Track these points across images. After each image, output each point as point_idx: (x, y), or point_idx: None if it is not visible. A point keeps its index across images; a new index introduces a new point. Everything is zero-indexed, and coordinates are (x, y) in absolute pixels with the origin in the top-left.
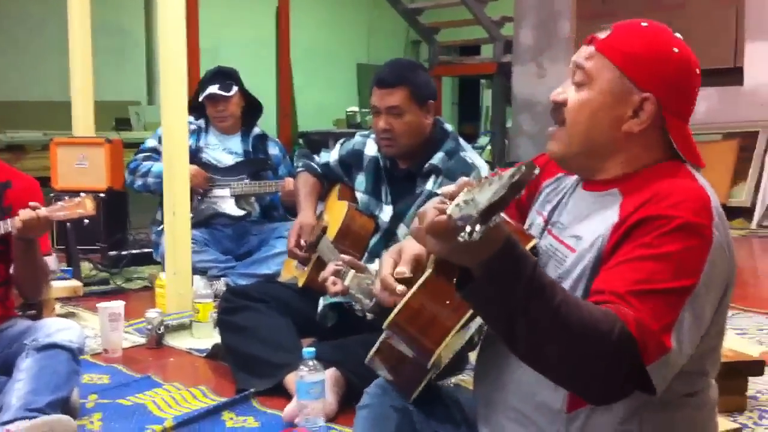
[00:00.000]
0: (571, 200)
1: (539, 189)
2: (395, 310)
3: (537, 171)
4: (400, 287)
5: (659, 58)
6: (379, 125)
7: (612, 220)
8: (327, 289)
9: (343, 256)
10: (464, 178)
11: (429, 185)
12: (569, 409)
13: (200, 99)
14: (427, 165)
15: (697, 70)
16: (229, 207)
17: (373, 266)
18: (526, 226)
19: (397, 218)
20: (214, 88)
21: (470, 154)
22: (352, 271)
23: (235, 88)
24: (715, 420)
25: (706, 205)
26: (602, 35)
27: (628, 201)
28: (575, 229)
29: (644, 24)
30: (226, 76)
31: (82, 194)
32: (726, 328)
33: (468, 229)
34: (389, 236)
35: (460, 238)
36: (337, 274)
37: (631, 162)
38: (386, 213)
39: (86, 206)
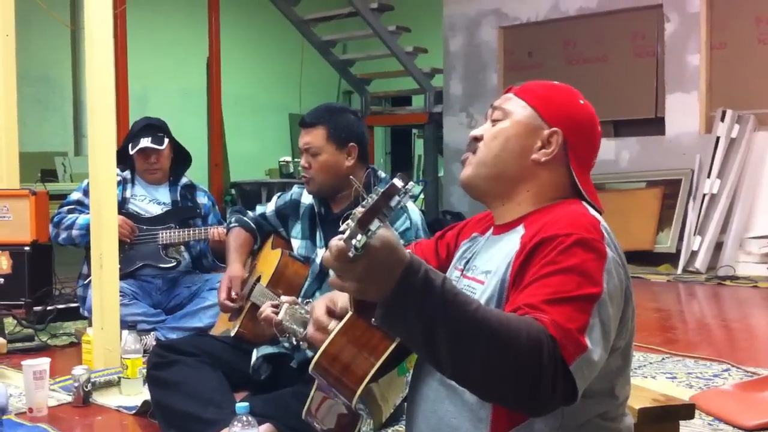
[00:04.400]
0: (483, 246)
1: (457, 247)
2: (318, 353)
3: (411, 184)
4: (332, 324)
5: (568, 103)
6: (301, 163)
7: (514, 248)
8: (263, 321)
9: (283, 297)
10: (358, 208)
11: None
12: None
13: (132, 152)
14: (361, 195)
15: (599, 127)
16: (158, 257)
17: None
18: None
19: None
20: (146, 142)
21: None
22: (286, 304)
23: (166, 141)
24: None
25: (596, 225)
26: (518, 85)
27: (528, 231)
28: (486, 266)
29: (555, 82)
30: (156, 128)
31: None
32: (632, 353)
33: (353, 242)
34: (323, 278)
35: (350, 254)
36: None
37: (538, 195)
38: (320, 256)
39: (0, 264)
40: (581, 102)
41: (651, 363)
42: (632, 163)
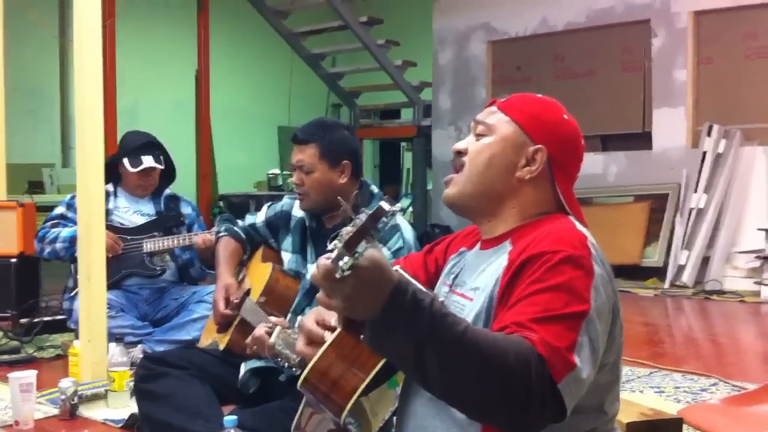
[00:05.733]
0: (471, 260)
1: (446, 262)
2: (307, 369)
3: (397, 207)
4: (327, 333)
5: (552, 119)
6: (294, 180)
7: (502, 265)
8: (256, 349)
9: (271, 317)
10: (346, 228)
11: None
12: None
13: (134, 170)
14: (349, 218)
15: (582, 141)
16: (143, 265)
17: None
18: None
19: None
20: (149, 161)
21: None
22: (279, 327)
23: (162, 158)
24: None
25: (583, 241)
26: (502, 99)
27: (516, 247)
28: (474, 283)
29: (539, 95)
30: (155, 146)
31: None
32: (621, 369)
33: (340, 263)
34: (313, 294)
35: (337, 275)
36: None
37: (523, 211)
38: (310, 272)
39: None
40: (565, 117)
41: (639, 377)
42: (620, 177)
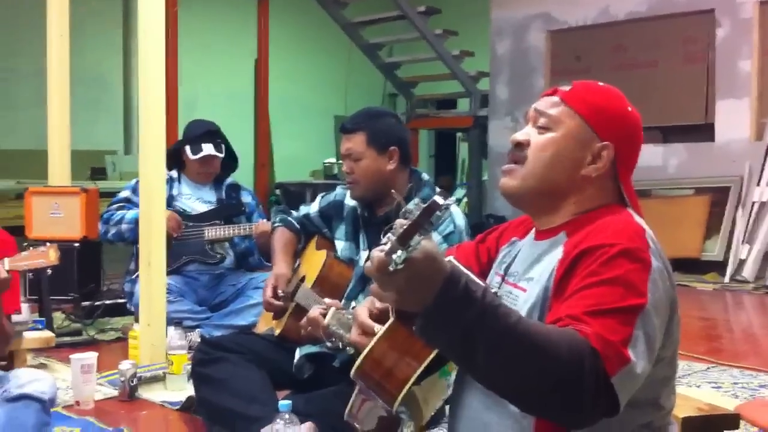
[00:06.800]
0: (524, 251)
1: (498, 252)
2: (360, 358)
3: (451, 200)
4: (377, 327)
5: (618, 113)
6: (344, 169)
7: (558, 257)
8: (310, 330)
9: (325, 299)
10: (399, 220)
11: None
12: None
13: (194, 157)
14: (402, 211)
15: (642, 132)
16: (203, 252)
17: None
18: None
19: None
20: (209, 149)
21: None
22: (333, 309)
23: (223, 147)
24: None
25: (640, 234)
26: (565, 88)
27: (571, 239)
28: (528, 273)
29: (601, 84)
30: (216, 134)
31: (48, 244)
32: (678, 363)
33: (393, 257)
34: (366, 281)
35: (390, 268)
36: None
37: (582, 204)
38: (363, 259)
39: (49, 256)
40: (629, 110)
41: (696, 372)
42: (680, 169)
